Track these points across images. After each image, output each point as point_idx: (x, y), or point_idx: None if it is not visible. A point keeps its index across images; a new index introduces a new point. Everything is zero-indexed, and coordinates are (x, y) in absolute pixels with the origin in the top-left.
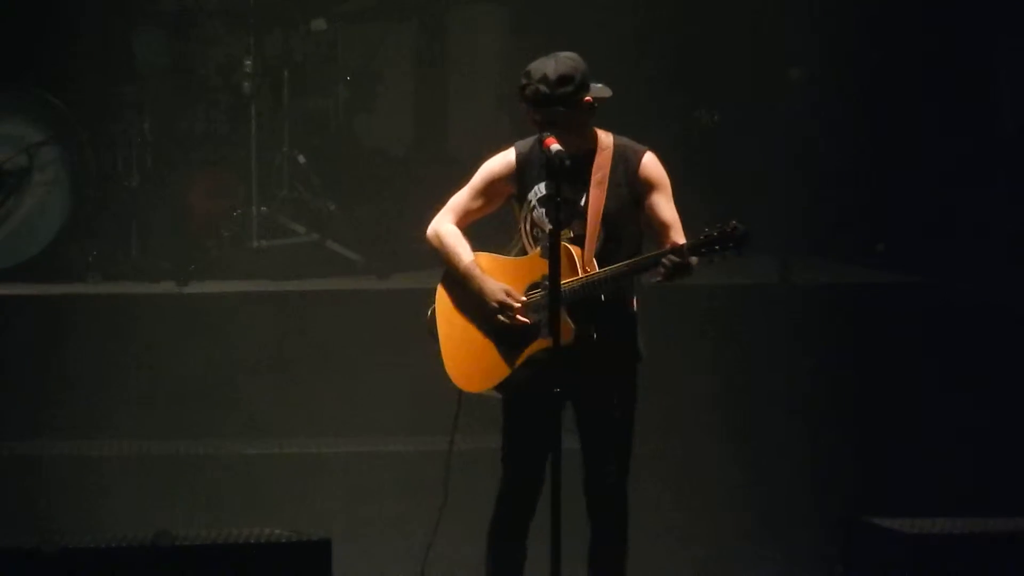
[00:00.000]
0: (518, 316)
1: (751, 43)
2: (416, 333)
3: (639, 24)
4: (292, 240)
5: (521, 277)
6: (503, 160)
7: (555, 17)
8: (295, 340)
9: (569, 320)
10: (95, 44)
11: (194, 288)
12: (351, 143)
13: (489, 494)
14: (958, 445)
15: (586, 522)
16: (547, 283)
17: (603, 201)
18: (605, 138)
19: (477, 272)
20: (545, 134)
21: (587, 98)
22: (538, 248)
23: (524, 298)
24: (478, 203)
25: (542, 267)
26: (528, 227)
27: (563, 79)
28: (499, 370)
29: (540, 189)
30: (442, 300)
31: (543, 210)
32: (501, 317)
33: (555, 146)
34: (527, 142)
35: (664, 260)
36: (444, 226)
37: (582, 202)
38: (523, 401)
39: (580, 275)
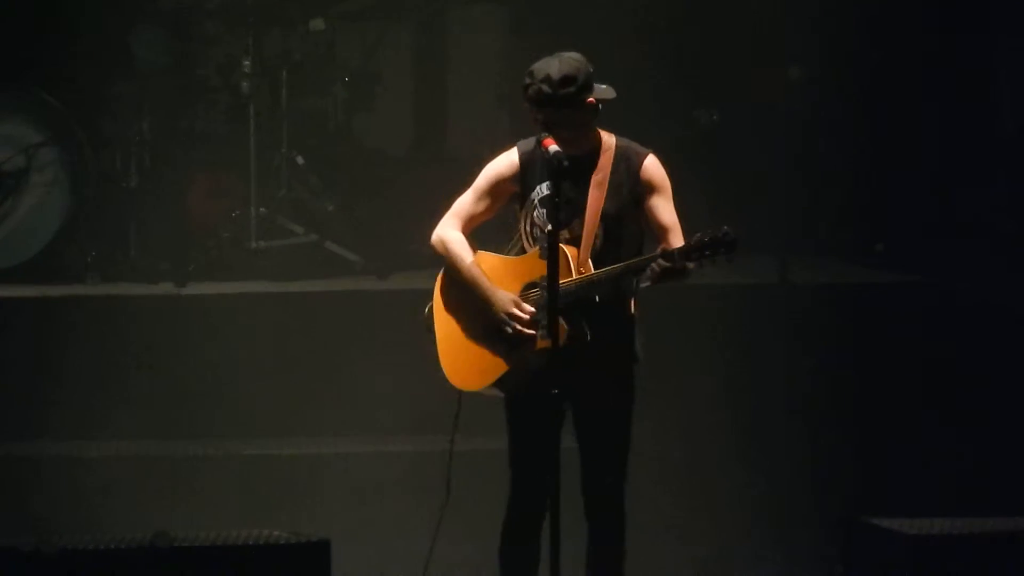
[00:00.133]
0: (522, 329)
1: (751, 43)
2: (416, 333)
3: (639, 24)
4: (291, 241)
5: (518, 276)
6: (507, 160)
7: (554, 17)
8: (294, 341)
9: (563, 321)
10: (93, 44)
11: (193, 289)
12: (350, 143)
13: (490, 494)
14: (958, 445)
15: (584, 523)
16: (543, 284)
17: (601, 202)
18: (608, 139)
19: (484, 280)
20: (543, 135)
21: (590, 99)
22: (536, 248)
23: (532, 309)
24: (483, 206)
25: (539, 267)
26: (528, 227)
27: (566, 79)
28: (495, 369)
29: (542, 189)
30: (440, 298)
31: (543, 210)
32: (508, 329)
33: (553, 147)
34: (529, 141)
35: (654, 264)
36: (449, 233)
37: (580, 203)
38: (524, 403)
39: (574, 276)
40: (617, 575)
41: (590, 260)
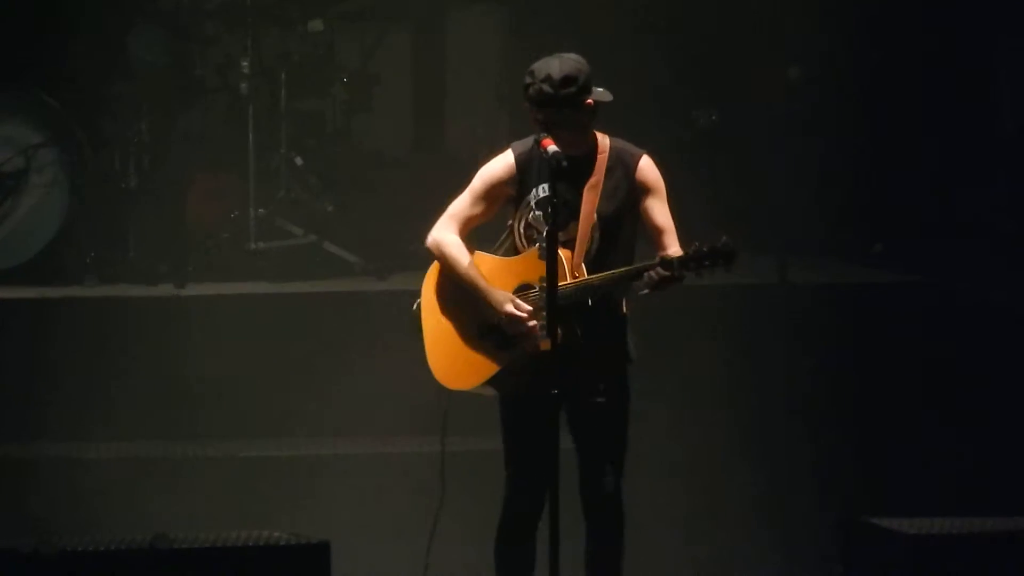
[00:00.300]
0: (524, 325)
1: (751, 43)
2: (415, 334)
3: (639, 24)
4: (290, 242)
5: (513, 277)
6: (503, 163)
7: (554, 17)
8: (293, 342)
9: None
10: (92, 45)
11: (192, 290)
12: (348, 144)
13: (489, 495)
14: (958, 445)
15: (582, 523)
16: (540, 285)
17: (596, 204)
18: (602, 140)
19: (482, 281)
20: (543, 135)
21: (589, 100)
22: (530, 249)
23: (530, 308)
24: (479, 209)
25: (534, 268)
26: (522, 228)
27: (567, 80)
28: (486, 369)
29: (539, 191)
30: (428, 296)
31: (539, 212)
32: (509, 328)
33: (552, 147)
34: (524, 143)
35: (652, 272)
36: (445, 236)
37: (576, 205)
38: (520, 403)
39: (568, 280)
40: (616, 574)
41: (583, 263)
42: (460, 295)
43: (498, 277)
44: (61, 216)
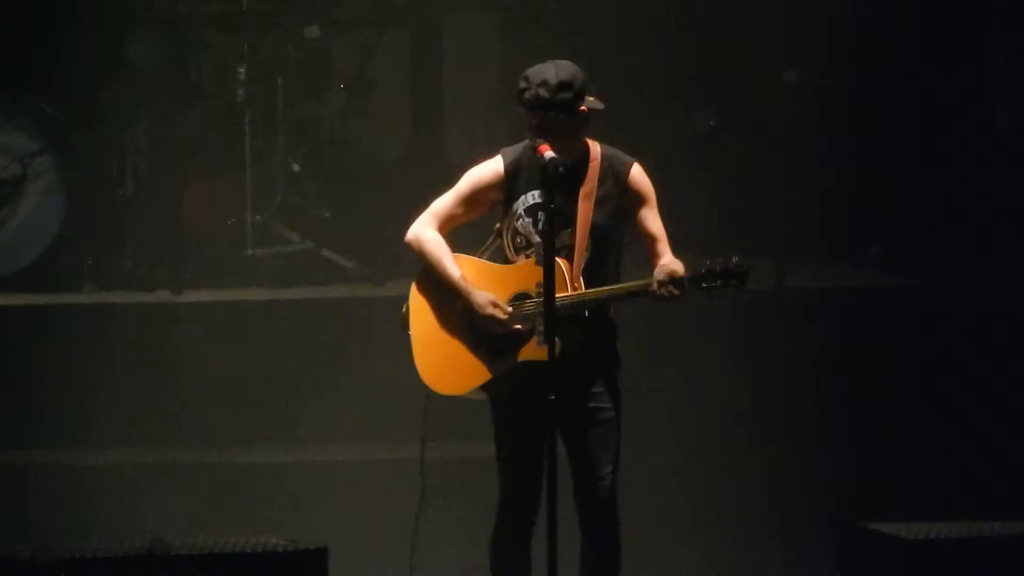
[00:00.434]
0: (510, 325)
1: (750, 44)
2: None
3: (636, 28)
4: (287, 248)
5: (507, 285)
6: (492, 168)
7: (550, 23)
8: (291, 348)
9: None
10: (89, 52)
11: (189, 296)
12: (345, 150)
13: (487, 496)
14: (957, 448)
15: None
16: (538, 293)
17: (591, 213)
18: (594, 148)
19: (464, 283)
20: (539, 141)
21: (583, 107)
22: (522, 257)
23: (510, 308)
24: (462, 210)
25: (529, 277)
26: (511, 235)
27: (563, 85)
28: (477, 376)
29: (529, 198)
30: (416, 299)
31: (529, 219)
32: (493, 329)
33: (549, 153)
34: (515, 149)
35: (662, 290)
36: (426, 232)
37: (570, 213)
38: (512, 408)
39: (570, 291)
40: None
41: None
42: (448, 299)
43: (491, 285)
44: (58, 223)
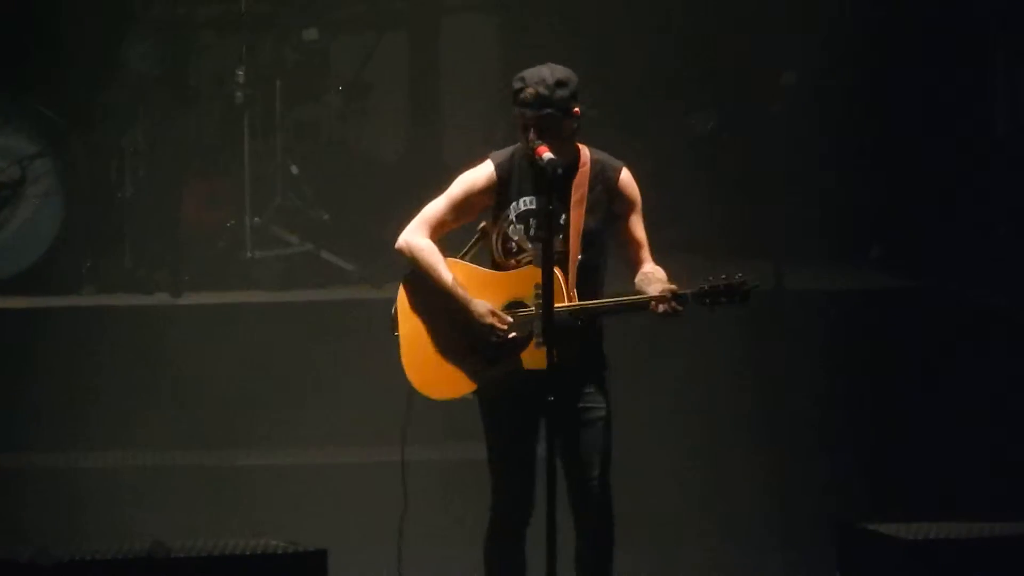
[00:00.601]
0: (508, 335)
1: (749, 44)
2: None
3: (636, 28)
4: (286, 250)
5: (500, 292)
6: (484, 173)
7: (549, 25)
8: (290, 350)
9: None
10: (87, 55)
11: (188, 299)
12: (344, 152)
13: (479, 498)
14: (957, 448)
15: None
16: (536, 303)
17: (583, 219)
18: (584, 152)
19: (460, 292)
20: (537, 142)
21: (577, 109)
22: (512, 262)
23: (511, 319)
24: (454, 216)
25: (523, 283)
26: (501, 240)
27: (560, 83)
28: (467, 383)
29: (521, 204)
30: (405, 302)
31: (520, 225)
32: (488, 337)
33: (548, 154)
34: (504, 153)
35: (664, 306)
36: (418, 240)
37: (561, 220)
38: (503, 411)
39: (566, 300)
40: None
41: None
42: (437, 302)
43: (486, 290)
44: (57, 226)
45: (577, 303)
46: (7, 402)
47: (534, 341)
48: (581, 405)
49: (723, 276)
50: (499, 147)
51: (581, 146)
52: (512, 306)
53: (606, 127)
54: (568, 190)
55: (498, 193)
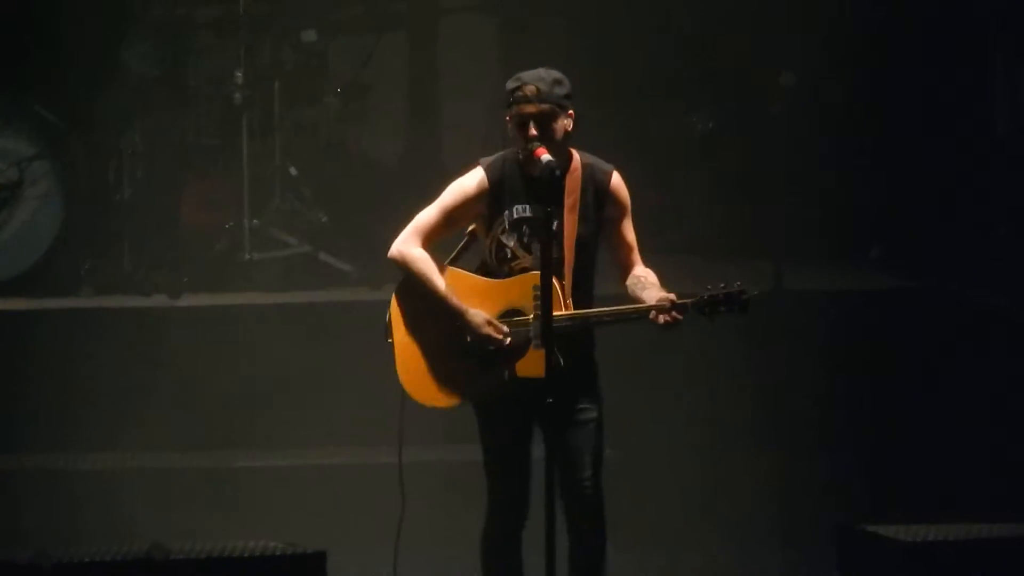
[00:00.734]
0: (505, 342)
1: (749, 44)
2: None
3: (634, 30)
4: (284, 252)
5: (496, 301)
6: (476, 181)
7: (547, 26)
8: (289, 352)
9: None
10: (86, 56)
11: (187, 301)
12: (343, 154)
13: (477, 500)
14: (957, 448)
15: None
16: (535, 313)
17: (576, 226)
18: (576, 157)
19: (456, 302)
20: (535, 144)
21: (571, 111)
22: (504, 268)
23: (507, 329)
24: (446, 224)
25: (519, 292)
26: (494, 247)
27: (558, 81)
28: (461, 391)
29: (515, 212)
30: (398, 308)
31: (515, 234)
32: (484, 346)
33: (546, 156)
34: (493, 160)
35: (664, 316)
36: (412, 250)
37: (554, 226)
38: (498, 413)
39: (563, 308)
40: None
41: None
42: (431, 310)
43: (481, 299)
44: (55, 228)
45: (575, 311)
46: (6, 403)
47: (532, 346)
48: (573, 407)
49: (722, 285)
50: (499, 148)
51: (572, 150)
52: (508, 314)
53: (606, 127)
54: (560, 195)
55: (490, 200)
